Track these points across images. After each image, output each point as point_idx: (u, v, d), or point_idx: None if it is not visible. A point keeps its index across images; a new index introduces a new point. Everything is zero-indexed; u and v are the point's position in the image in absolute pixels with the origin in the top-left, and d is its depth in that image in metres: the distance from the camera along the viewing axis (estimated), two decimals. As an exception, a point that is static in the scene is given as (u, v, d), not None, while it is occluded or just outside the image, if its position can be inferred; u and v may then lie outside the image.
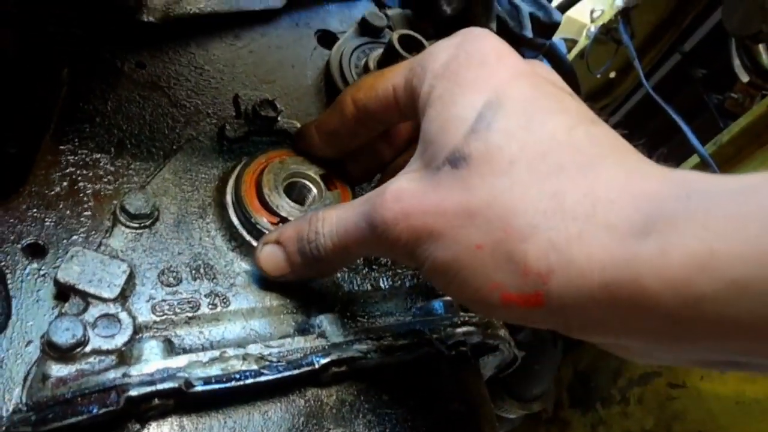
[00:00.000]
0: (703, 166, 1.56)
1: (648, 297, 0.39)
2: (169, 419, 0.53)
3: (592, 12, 1.99)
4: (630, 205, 0.41)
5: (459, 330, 0.66)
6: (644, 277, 0.39)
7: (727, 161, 1.51)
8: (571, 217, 0.43)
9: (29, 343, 0.54)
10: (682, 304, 0.38)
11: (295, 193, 0.68)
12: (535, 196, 0.44)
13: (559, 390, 1.41)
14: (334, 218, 0.57)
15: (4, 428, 0.49)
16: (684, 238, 0.38)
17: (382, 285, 0.70)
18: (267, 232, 0.63)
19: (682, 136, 1.46)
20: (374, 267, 0.71)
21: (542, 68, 0.55)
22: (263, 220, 0.64)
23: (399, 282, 0.71)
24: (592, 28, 1.96)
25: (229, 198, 0.66)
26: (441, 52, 0.54)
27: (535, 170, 0.45)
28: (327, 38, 0.89)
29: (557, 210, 0.43)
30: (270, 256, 0.61)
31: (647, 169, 0.44)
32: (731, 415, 1.11)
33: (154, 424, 0.53)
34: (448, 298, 0.70)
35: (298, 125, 0.75)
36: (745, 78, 1.54)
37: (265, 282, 0.64)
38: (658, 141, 1.87)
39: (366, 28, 0.86)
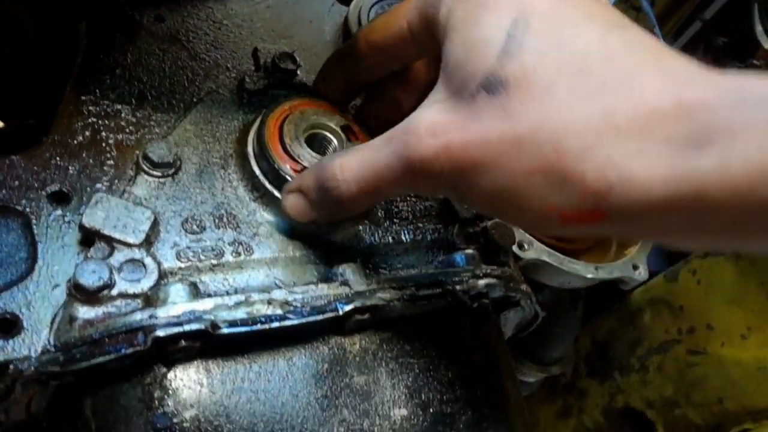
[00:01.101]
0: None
1: (711, 205, 0.39)
2: (195, 362, 0.53)
3: (611, -20, 1.96)
4: (685, 116, 0.40)
5: (481, 282, 0.66)
6: (707, 188, 0.38)
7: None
8: (625, 133, 0.41)
9: (56, 286, 0.55)
10: (745, 209, 0.38)
11: (317, 144, 0.67)
12: (585, 116, 0.43)
13: (576, 360, 1.41)
14: (356, 163, 0.56)
15: (33, 368, 0.50)
16: (745, 151, 0.37)
17: (403, 238, 0.70)
18: (288, 177, 0.63)
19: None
20: (395, 220, 0.71)
21: None
22: (285, 166, 0.63)
23: (420, 235, 0.71)
24: (611, -2, 1.93)
25: (250, 148, 0.65)
26: None
27: (576, 89, 0.44)
28: (345, -5, 0.89)
29: (611, 128, 0.42)
30: (294, 204, 0.61)
31: (694, 74, 0.43)
32: (752, 381, 1.10)
33: (180, 367, 0.53)
34: (470, 251, 0.69)
35: None
36: (768, 44, 1.52)
37: (287, 232, 0.64)
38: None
39: (384, -16, 0.86)
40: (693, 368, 1.20)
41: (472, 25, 0.49)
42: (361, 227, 0.68)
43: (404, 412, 0.59)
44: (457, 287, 0.64)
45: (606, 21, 0.47)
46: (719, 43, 1.76)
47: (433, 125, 0.49)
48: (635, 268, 0.85)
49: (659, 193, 0.40)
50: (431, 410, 0.60)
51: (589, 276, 0.80)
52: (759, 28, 1.52)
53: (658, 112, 0.41)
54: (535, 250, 0.77)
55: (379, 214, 0.70)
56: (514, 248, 0.75)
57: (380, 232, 0.69)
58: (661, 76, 0.42)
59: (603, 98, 0.43)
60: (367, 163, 0.55)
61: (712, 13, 1.82)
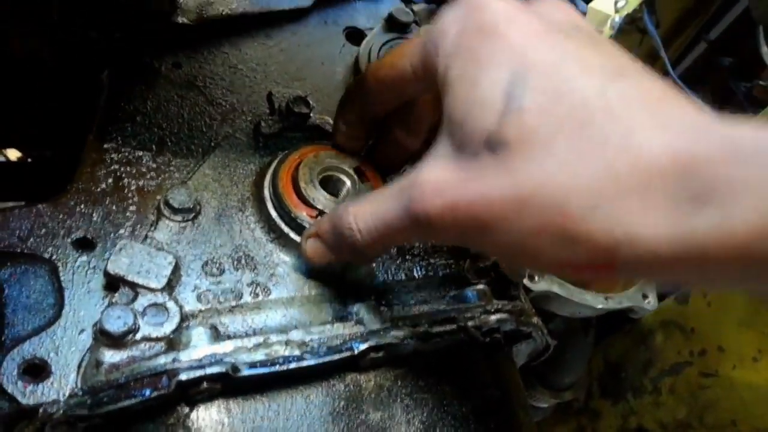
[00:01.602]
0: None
1: (714, 261, 0.40)
2: (216, 402, 0.55)
3: (616, 2, 1.97)
4: (684, 172, 0.41)
5: (493, 317, 0.67)
6: (709, 247, 0.39)
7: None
8: (628, 191, 0.42)
9: (82, 331, 0.57)
10: (747, 265, 0.39)
11: (330, 186, 0.70)
12: (587, 174, 0.43)
13: (589, 380, 1.42)
14: (369, 214, 0.57)
15: (61, 411, 0.52)
16: (743, 210, 0.38)
17: (415, 274, 0.72)
18: (304, 223, 0.65)
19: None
20: (407, 257, 0.73)
21: (550, 8, 0.53)
22: (302, 213, 0.66)
23: (432, 271, 0.73)
24: (617, 18, 1.95)
25: (266, 192, 0.68)
26: (449, 26, 0.52)
27: (577, 146, 0.44)
28: (355, 35, 0.92)
29: (613, 185, 0.42)
30: (313, 248, 0.63)
31: (692, 126, 0.43)
32: (764, 403, 1.11)
33: (202, 407, 0.55)
34: (481, 286, 0.71)
35: (331, 121, 0.77)
36: (772, 65, 1.54)
37: (303, 272, 0.66)
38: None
39: (393, 24, 0.88)
40: (705, 390, 1.20)
41: (471, 84, 0.49)
42: (374, 265, 0.70)
43: (419, 447, 0.60)
44: (470, 323, 0.66)
45: (605, 71, 0.47)
46: (725, 63, 1.78)
47: (438, 183, 0.50)
48: (645, 297, 0.86)
49: (665, 251, 0.41)
50: (446, 445, 0.61)
51: (599, 306, 0.81)
52: (764, 49, 1.54)
53: (658, 169, 0.41)
54: (545, 282, 0.78)
55: (392, 251, 0.72)
56: (525, 280, 0.76)
57: (393, 268, 0.71)
58: (660, 130, 0.43)
59: (604, 155, 0.43)
60: (378, 214, 0.56)
61: (718, 33, 1.84)
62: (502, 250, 0.49)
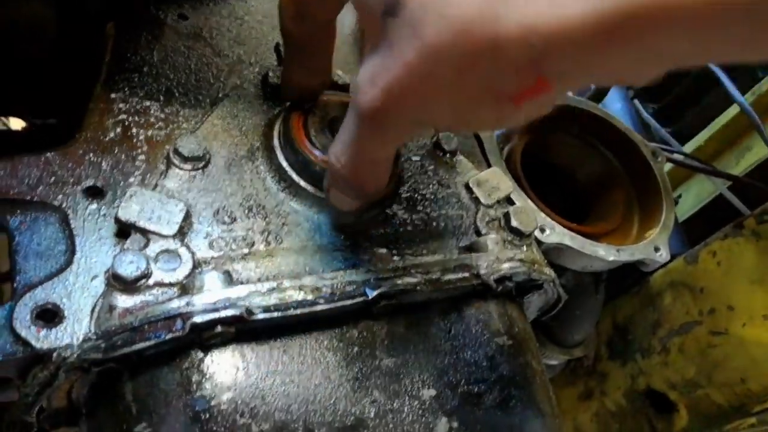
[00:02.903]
0: (743, 116, 1.54)
1: (646, 22, 0.38)
2: (231, 347, 0.55)
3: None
4: None
5: (505, 265, 0.67)
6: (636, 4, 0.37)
7: (766, 111, 1.49)
8: None
9: (95, 277, 0.57)
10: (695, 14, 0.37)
11: None
12: None
13: (597, 343, 1.42)
14: (341, 144, 0.57)
15: (75, 355, 0.52)
16: None
17: (428, 224, 0.71)
18: (316, 169, 0.65)
19: (720, 87, 1.43)
20: (419, 207, 0.72)
21: None
22: (312, 158, 0.65)
23: (444, 221, 0.72)
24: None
25: (276, 141, 0.67)
26: None
27: None
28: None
29: None
30: (336, 200, 0.62)
31: None
32: (775, 361, 1.11)
33: (216, 352, 0.55)
34: (493, 236, 0.71)
35: (340, 72, 0.76)
36: (784, 24, 1.51)
37: (314, 221, 0.66)
38: (696, 92, 1.84)
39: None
40: (714, 349, 1.20)
41: None
42: (388, 211, 0.69)
43: (433, 392, 0.60)
44: (482, 271, 0.65)
45: None
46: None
47: (370, 75, 0.50)
48: (657, 249, 0.85)
49: (588, 27, 0.38)
50: (459, 390, 0.61)
51: (611, 258, 0.80)
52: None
53: None
54: (557, 234, 0.78)
55: (404, 201, 0.71)
56: (536, 232, 0.76)
57: (405, 218, 0.71)
58: None
59: None
60: (346, 140, 0.56)
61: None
62: (447, 112, 0.49)
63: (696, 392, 1.23)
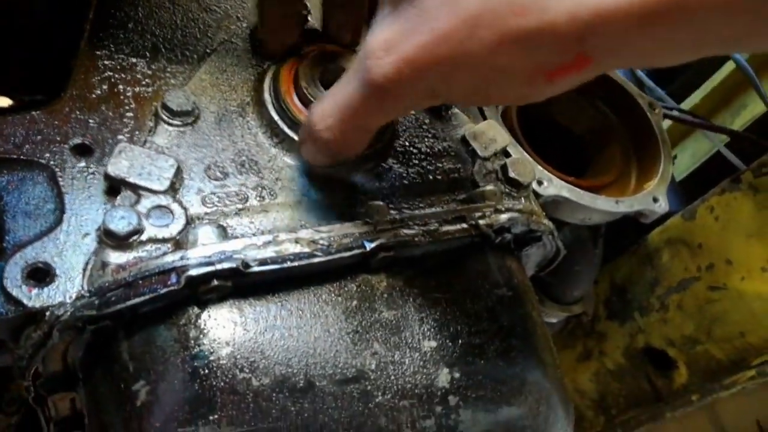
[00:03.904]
0: (738, 73, 1.52)
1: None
2: (228, 303, 0.54)
3: None
4: None
5: (503, 216, 0.66)
6: None
7: (763, 66, 1.48)
8: None
9: (86, 235, 0.55)
10: None
11: (333, 84, 0.67)
12: None
13: (595, 303, 1.42)
14: (332, 106, 0.55)
15: (69, 313, 0.51)
16: None
17: (424, 177, 0.70)
18: None
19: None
20: (415, 161, 0.71)
21: None
22: (303, 116, 0.64)
23: (441, 174, 0.71)
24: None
25: (267, 95, 0.66)
26: None
27: None
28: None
29: None
30: (308, 153, 0.61)
31: None
32: (774, 314, 1.11)
33: (213, 307, 0.54)
34: (491, 187, 0.70)
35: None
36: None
37: (309, 175, 0.65)
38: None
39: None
40: (713, 304, 1.20)
41: None
42: (384, 165, 0.68)
43: (434, 343, 0.60)
44: (480, 222, 0.64)
45: None
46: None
47: (386, 41, 0.48)
48: (655, 200, 0.84)
49: (636, 9, 0.39)
50: (460, 341, 0.60)
51: (610, 210, 0.80)
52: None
53: None
54: (554, 186, 0.77)
55: (399, 154, 0.70)
56: (534, 185, 0.75)
57: (401, 171, 0.70)
58: None
59: None
60: (341, 102, 0.54)
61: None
62: (470, 85, 0.47)
63: (695, 348, 1.23)
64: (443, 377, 0.59)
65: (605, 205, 0.79)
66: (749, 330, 1.15)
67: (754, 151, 1.22)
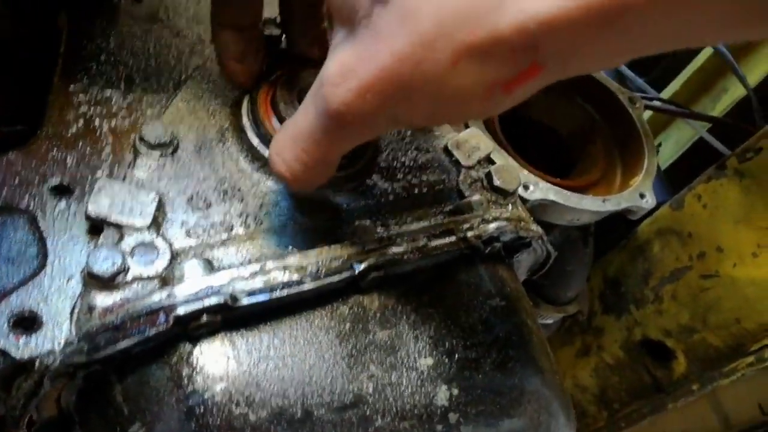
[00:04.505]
0: (716, 57, 1.53)
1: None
2: (219, 336, 0.53)
3: None
4: None
5: (491, 225, 0.66)
6: None
7: (741, 49, 1.48)
8: None
9: (70, 278, 0.55)
10: None
11: None
12: None
13: (590, 299, 1.42)
14: (290, 140, 0.53)
15: (58, 361, 0.50)
16: None
17: (409, 192, 0.70)
18: None
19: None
20: (399, 175, 0.70)
21: None
22: None
23: (426, 187, 0.71)
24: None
25: (246, 120, 0.65)
26: None
27: None
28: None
29: None
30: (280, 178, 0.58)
31: None
32: (767, 297, 1.11)
33: (204, 342, 0.53)
34: (477, 197, 0.69)
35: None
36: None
37: (294, 198, 0.64)
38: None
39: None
40: (707, 292, 1.20)
41: None
42: (368, 182, 0.68)
43: (430, 361, 0.59)
44: (469, 233, 0.64)
45: None
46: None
47: (342, 66, 0.46)
48: (642, 196, 0.84)
49: (583, 14, 0.38)
50: (456, 356, 0.60)
51: (598, 209, 0.80)
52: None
53: None
54: (541, 190, 0.76)
55: (383, 171, 0.70)
56: (520, 190, 0.74)
57: (386, 188, 0.69)
58: None
59: None
60: (299, 136, 0.52)
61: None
62: (430, 106, 0.46)
63: (692, 337, 1.23)
64: (442, 395, 0.58)
65: (592, 205, 0.79)
66: (744, 316, 1.15)
67: (737, 136, 1.22)
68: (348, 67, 0.45)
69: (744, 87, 1.33)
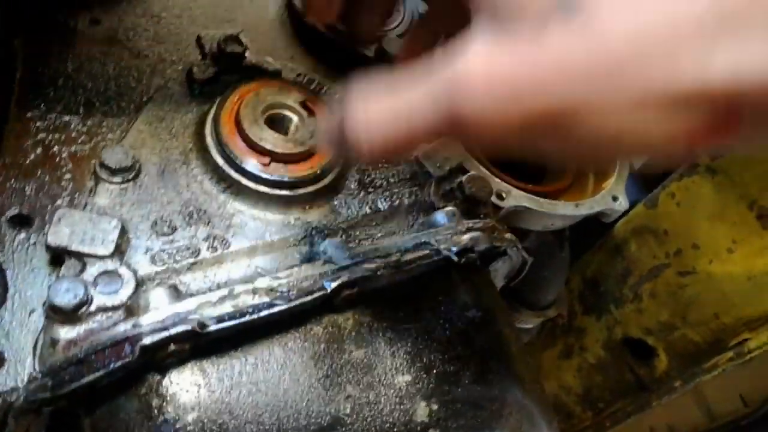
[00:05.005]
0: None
1: None
2: (189, 365, 0.52)
3: None
4: None
5: (465, 237, 0.65)
6: None
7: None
8: (738, 21, 0.33)
9: (32, 312, 0.53)
10: None
11: (277, 124, 0.66)
12: (689, 12, 0.34)
13: (570, 300, 1.42)
14: (385, 113, 0.44)
15: (22, 398, 0.48)
16: None
17: (380, 206, 0.69)
18: (254, 169, 0.62)
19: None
20: (369, 189, 0.69)
21: None
22: (250, 158, 0.62)
23: (397, 200, 0.70)
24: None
25: (210, 140, 0.64)
26: None
27: None
28: (283, -30, 0.86)
29: (724, 19, 0.33)
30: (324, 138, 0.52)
31: None
32: (744, 292, 1.11)
33: (174, 372, 0.52)
34: (450, 208, 0.68)
35: (270, 59, 0.72)
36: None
37: (261, 219, 0.63)
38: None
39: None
40: (685, 289, 1.20)
41: None
42: (336, 202, 0.67)
43: (408, 377, 0.58)
44: (442, 246, 0.63)
45: None
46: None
47: (490, 67, 0.37)
48: (615, 199, 0.84)
49: None
50: (435, 371, 0.59)
51: (571, 214, 0.79)
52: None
53: None
54: (513, 198, 0.76)
55: (352, 186, 0.69)
56: (493, 199, 0.74)
57: (356, 203, 0.68)
58: None
59: None
60: (402, 113, 0.43)
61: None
62: (595, 141, 0.38)
63: (672, 334, 1.24)
64: (421, 411, 0.57)
65: (565, 210, 0.78)
66: (722, 311, 1.16)
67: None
68: (497, 71, 0.37)
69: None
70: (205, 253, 0.59)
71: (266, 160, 0.62)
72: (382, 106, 0.44)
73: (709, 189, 1.12)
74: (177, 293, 0.54)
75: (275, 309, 0.54)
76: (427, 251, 0.63)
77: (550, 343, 1.51)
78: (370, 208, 0.68)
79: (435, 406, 0.58)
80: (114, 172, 0.59)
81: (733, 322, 1.14)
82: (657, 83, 0.35)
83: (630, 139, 0.37)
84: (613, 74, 0.35)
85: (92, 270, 0.53)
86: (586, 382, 1.47)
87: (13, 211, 0.57)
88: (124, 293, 0.52)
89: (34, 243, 0.56)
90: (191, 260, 0.58)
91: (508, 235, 0.70)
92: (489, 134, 0.39)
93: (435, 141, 0.47)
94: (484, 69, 0.38)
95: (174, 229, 0.59)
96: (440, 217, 0.67)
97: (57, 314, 0.50)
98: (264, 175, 0.62)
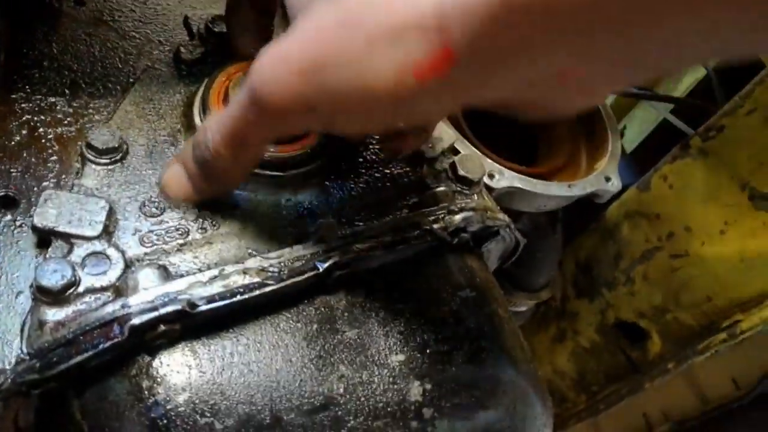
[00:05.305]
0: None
1: None
2: (180, 346, 0.52)
3: None
4: None
5: (458, 216, 0.64)
6: None
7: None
8: None
9: (19, 294, 0.52)
10: None
11: None
12: None
13: (563, 284, 1.42)
14: (218, 118, 0.52)
15: (9, 380, 0.47)
16: None
17: (372, 186, 0.68)
18: None
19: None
20: (361, 170, 0.69)
21: None
22: None
23: (390, 181, 0.69)
24: None
25: (198, 120, 0.63)
26: None
27: None
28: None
29: None
30: (172, 176, 0.58)
31: None
32: (736, 274, 1.11)
33: (164, 353, 0.51)
34: (442, 188, 0.68)
35: None
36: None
37: (253, 199, 0.62)
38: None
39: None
40: (677, 272, 1.20)
41: None
42: (328, 182, 0.66)
43: (401, 357, 0.58)
44: (435, 226, 0.63)
45: None
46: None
47: (272, 51, 0.45)
48: (608, 179, 0.84)
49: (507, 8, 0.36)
50: (428, 351, 0.59)
51: (564, 194, 0.79)
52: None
53: None
54: (506, 179, 0.76)
55: (344, 166, 0.68)
56: (485, 179, 0.73)
57: (349, 184, 0.67)
58: None
59: None
60: (225, 114, 0.51)
61: None
62: (348, 95, 0.44)
63: (665, 317, 1.24)
64: (415, 390, 0.57)
65: (558, 191, 0.78)
66: (715, 293, 1.16)
67: (700, 115, 1.22)
68: (276, 51, 0.45)
69: (703, 66, 1.33)
70: (194, 234, 0.58)
71: None
72: (216, 116, 0.53)
73: (701, 171, 1.12)
74: (166, 274, 0.53)
75: (266, 289, 0.53)
76: (419, 231, 0.62)
77: (544, 327, 1.52)
78: (362, 188, 0.68)
79: (428, 386, 0.58)
80: (101, 152, 0.58)
81: (725, 304, 1.14)
82: (379, 19, 0.41)
83: (375, 83, 0.42)
84: (347, 24, 0.42)
85: (80, 251, 0.52)
86: (579, 366, 1.47)
87: (-1, 193, 0.56)
88: (113, 274, 0.52)
89: (21, 225, 0.55)
90: (181, 241, 0.57)
91: (501, 216, 0.70)
92: (286, 106, 0.46)
93: (263, 132, 0.52)
94: (270, 53, 0.45)
95: (163, 210, 0.58)
96: (432, 197, 0.67)
97: (44, 296, 0.50)
98: None
